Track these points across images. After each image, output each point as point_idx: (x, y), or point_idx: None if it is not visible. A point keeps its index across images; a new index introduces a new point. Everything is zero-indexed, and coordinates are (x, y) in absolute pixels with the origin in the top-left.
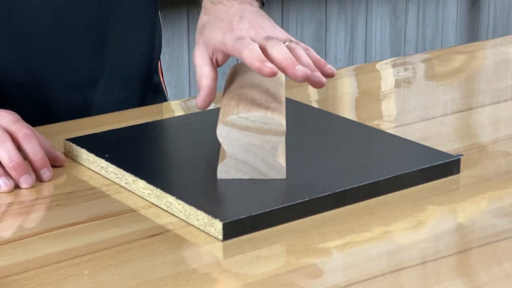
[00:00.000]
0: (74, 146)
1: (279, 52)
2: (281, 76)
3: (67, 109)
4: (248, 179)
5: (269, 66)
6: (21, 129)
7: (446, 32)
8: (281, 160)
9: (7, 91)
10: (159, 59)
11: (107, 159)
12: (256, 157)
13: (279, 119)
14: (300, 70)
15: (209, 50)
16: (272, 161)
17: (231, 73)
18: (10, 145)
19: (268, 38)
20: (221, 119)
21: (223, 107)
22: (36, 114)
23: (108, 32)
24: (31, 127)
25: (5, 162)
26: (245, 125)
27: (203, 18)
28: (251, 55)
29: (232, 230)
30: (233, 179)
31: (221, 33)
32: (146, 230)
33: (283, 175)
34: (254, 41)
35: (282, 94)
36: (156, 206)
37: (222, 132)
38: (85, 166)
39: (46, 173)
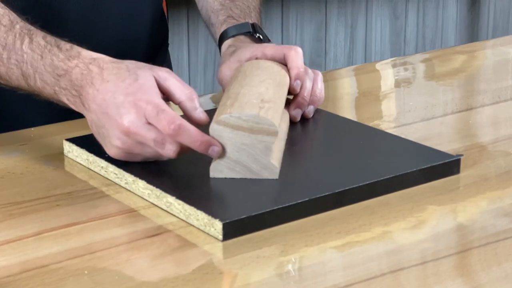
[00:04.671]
0: (74, 146)
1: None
2: (285, 76)
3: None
4: (248, 179)
5: (301, 80)
6: (169, 125)
7: (446, 32)
8: (274, 160)
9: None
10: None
11: (107, 159)
12: (248, 157)
13: (272, 119)
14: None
15: (240, 58)
16: (264, 161)
17: (236, 72)
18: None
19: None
20: (214, 118)
21: (219, 106)
22: (38, 114)
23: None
24: (174, 114)
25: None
26: (237, 124)
27: (230, 48)
28: (299, 53)
29: (232, 230)
30: (233, 179)
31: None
32: (146, 230)
33: (275, 175)
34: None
35: (283, 94)
36: (156, 206)
37: (215, 131)
38: (85, 166)
39: (214, 149)
